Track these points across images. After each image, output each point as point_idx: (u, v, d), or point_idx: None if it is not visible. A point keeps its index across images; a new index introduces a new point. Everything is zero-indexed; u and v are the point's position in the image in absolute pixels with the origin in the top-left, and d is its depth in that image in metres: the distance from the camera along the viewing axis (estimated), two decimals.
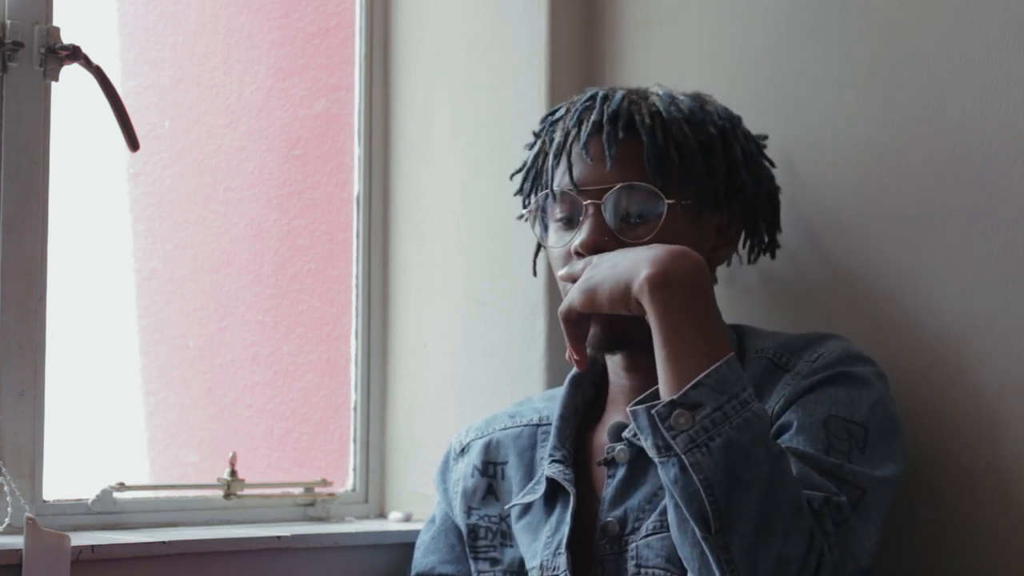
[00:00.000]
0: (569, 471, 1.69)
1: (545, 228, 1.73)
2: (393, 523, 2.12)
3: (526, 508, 1.73)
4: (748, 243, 1.82)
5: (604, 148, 1.66)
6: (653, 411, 1.44)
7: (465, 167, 2.16)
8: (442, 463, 1.88)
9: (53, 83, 1.78)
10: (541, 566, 1.67)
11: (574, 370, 1.77)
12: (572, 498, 1.67)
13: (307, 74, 2.33)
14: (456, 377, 2.14)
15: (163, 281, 2.29)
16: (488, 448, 1.81)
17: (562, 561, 1.65)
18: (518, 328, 2.07)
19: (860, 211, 1.84)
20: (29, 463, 1.75)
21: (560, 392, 1.78)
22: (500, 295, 2.10)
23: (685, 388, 1.43)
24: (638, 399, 1.48)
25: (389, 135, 2.25)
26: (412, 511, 2.14)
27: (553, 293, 1.99)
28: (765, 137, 1.83)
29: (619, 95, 1.70)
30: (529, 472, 1.76)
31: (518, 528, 1.74)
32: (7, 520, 1.69)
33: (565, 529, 1.66)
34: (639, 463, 1.65)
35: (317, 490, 2.11)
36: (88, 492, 1.85)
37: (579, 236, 1.64)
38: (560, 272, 1.67)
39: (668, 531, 1.51)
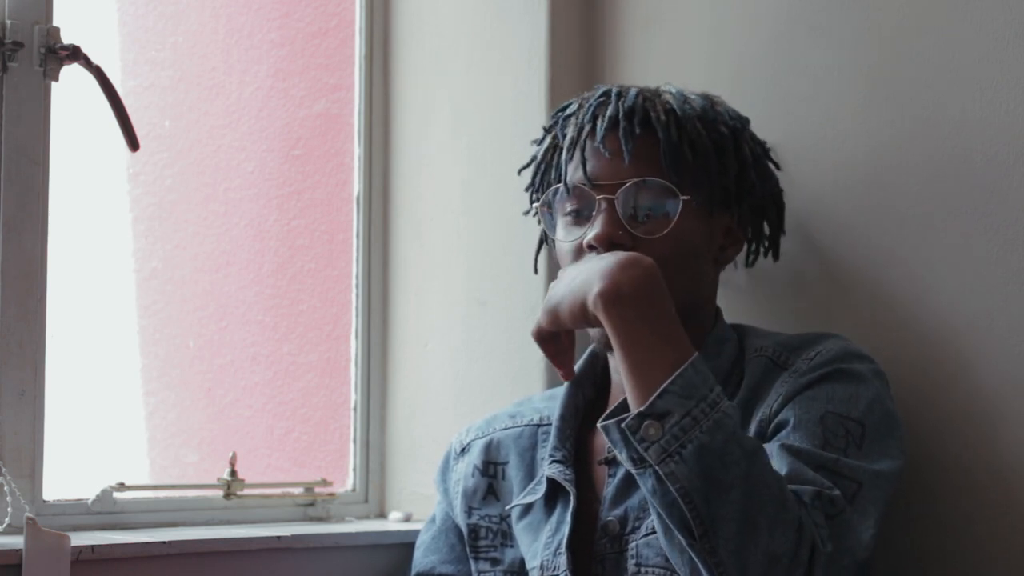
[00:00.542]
0: (569, 471, 1.69)
1: (553, 224, 1.73)
2: (393, 523, 2.12)
3: (527, 508, 1.73)
4: (751, 245, 1.82)
5: (621, 143, 1.66)
6: (623, 425, 1.43)
7: (465, 167, 2.16)
8: (442, 463, 1.88)
9: (53, 83, 1.78)
10: (541, 566, 1.67)
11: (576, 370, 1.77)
12: (572, 498, 1.67)
13: (307, 74, 2.33)
14: (456, 377, 2.14)
15: (163, 281, 2.29)
16: (489, 448, 1.81)
17: (562, 561, 1.65)
18: (518, 328, 2.07)
19: (860, 210, 1.84)
20: (29, 463, 1.75)
21: (560, 392, 1.78)
22: (500, 295, 2.10)
23: (651, 398, 1.42)
24: (607, 413, 1.47)
25: (389, 135, 2.25)
26: (412, 511, 2.14)
27: None
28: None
29: (633, 92, 1.71)
30: (530, 472, 1.76)
31: (519, 528, 1.74)
32: (7, 520, 1.69)
33: (565, 529, 1.66)
34: None
35: (317, 490, 2.11)
36: (88, 492, 1.85)
37: (593, 230, 1.64)
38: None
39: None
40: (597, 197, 1.65)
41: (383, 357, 2.22)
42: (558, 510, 1.69)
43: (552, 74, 2.09)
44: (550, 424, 1.76)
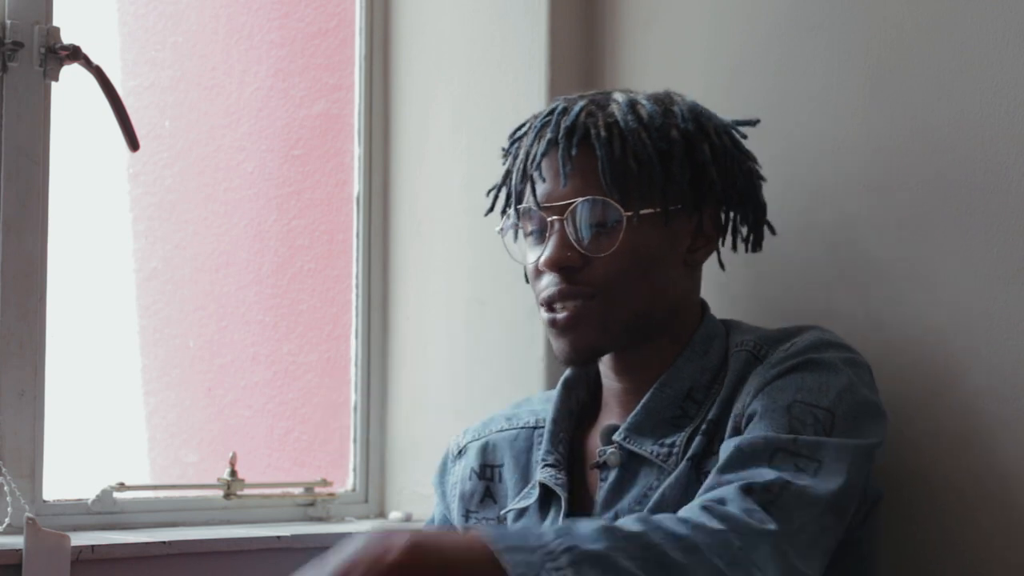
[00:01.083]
0: (561, 475, 1.69)
1: (518, 246, 1.74)
2: (393, 523, 2.11)
3: (521, 512, 1.73)
4: (734, 239, 1.80)
5: (559, 165, 1.66)
6: None
7: (465, 167, 2.16)
8: (440, 465, 1.88)
9: (53, 83, 1.78)
10: None
11: (567, 373, 1.77)
12: (564, 503, 1.67)
13: (307, 74, 2.33)
14: (456, 377, 2.14)
15: (163, 281, 2.29)
16: (485, 451, 1.81)
17: None
18: (518, 328, 2.07)
19: (859, 210, 1.84)
20: (29, 463, 1.75)
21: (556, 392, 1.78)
22: (500, 295, 2.10)
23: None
24: None
25: (389, 135, 2.25)
26: (412, 511, 2.14)
27: None
28: (755, 122, 1.81)
29: (577, 108, 1.69)
30: (525, 475, 1.76)
31: None
32: (7, 520, 1.69)
33: None
34: (630, 466, 1.65)
35: (317, 490, 2.11)
36: (88, 492, 1.85)
37: (544, 253, 1.65)
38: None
39: (681, 524, 1.49)
40: (548, 219, 1.66)
41: (383, 357, 2.22)
42: (551, 514, 1.69)
43: (552, 74, 2.09)
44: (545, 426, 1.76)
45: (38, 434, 1.76)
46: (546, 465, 1.70)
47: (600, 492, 1.66)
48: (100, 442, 2.25)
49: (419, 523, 2.00)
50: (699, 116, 1.72)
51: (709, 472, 1.57)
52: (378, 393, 2.21)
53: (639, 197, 1.65)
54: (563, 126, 1.67)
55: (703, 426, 1.62)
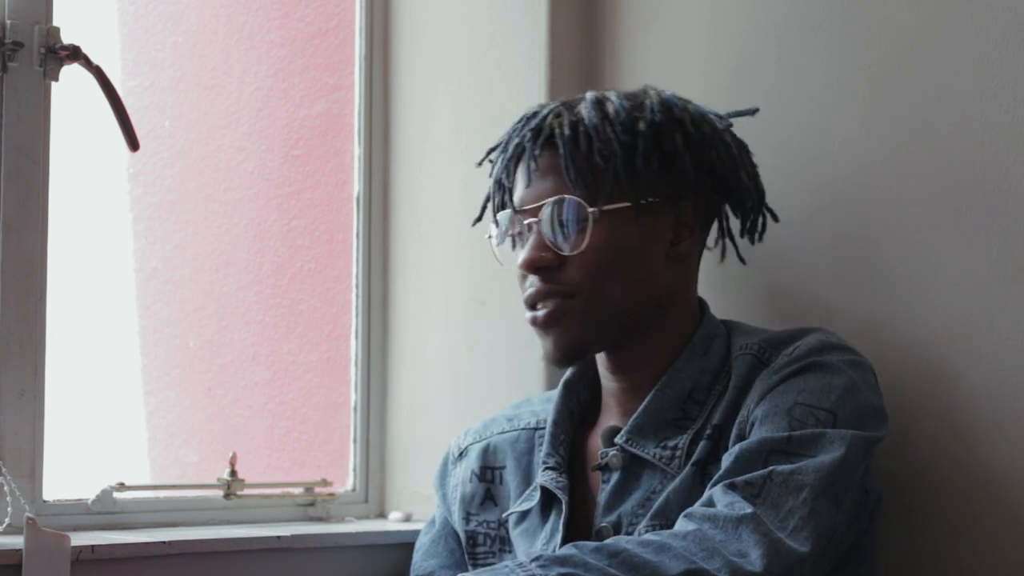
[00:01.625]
0: (562, 478, 1.69)
1: (506, 252, 1.76)
2: (393, 523, 2.12)
3: (523, 515, 1.73)
4: (723, 231, 1.80)
5: (528, 168, 1.68)
6: None
7: (465, 167, 2.16)
8: (440, 467, 1.88)
9: (53, 83, 1.78)
10: None
11: (568, 373, 1.77)
12: (564, 506, 1.67)
13: (307, 74, 2.33)
14: (456, 377, 2.14)
15: (163, 281, 2.29)
16: (486, 453, 1.81)
17: None
18: (518, 328, 2.07)
19: (860, 210, 1.84)
20: (29, 463, 1.75)
21: (556, 393, 1.78)
22: (500, 295, 2.09)
23: None
24: None
25: (389, 135, 2.25)
26: (412, 511, 2.14)
27: None
28: (753, 111, 1.81)
29: (545, 111, 1.71)
30: (527, 477, 1.76)
31: (515, 535, 1.74)
32: (7, 520, 1.69)
33: (558, 537, 1.66)
34: (632, 468, 1.65)
35: (317, 490, 2.11)
36: (88, 492, 1.85)
37: (520, 256, 1.68)
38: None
39: (653, 534, 1.50)
40: (524, 222, 1.68)
41: (383, 357, 2.22)
42: (552, 517, 1.69)
43: (552, 74, 2.09)
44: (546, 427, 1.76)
45: (38, 434, 1.76)
46: (547, 468, 1.70)
47: (602, 494, 1.66)
48: (100, 442, 2.25)
49: (419, 523, 2.00)
50: (671, 107, 1.70)
51: (712, 478, 1.57)
52: (378, 393, 2.21)
53: (607, 192, 1.65)
54: (528, 130, 1.70)
55: (707, 430, 1.62)
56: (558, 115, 1.69)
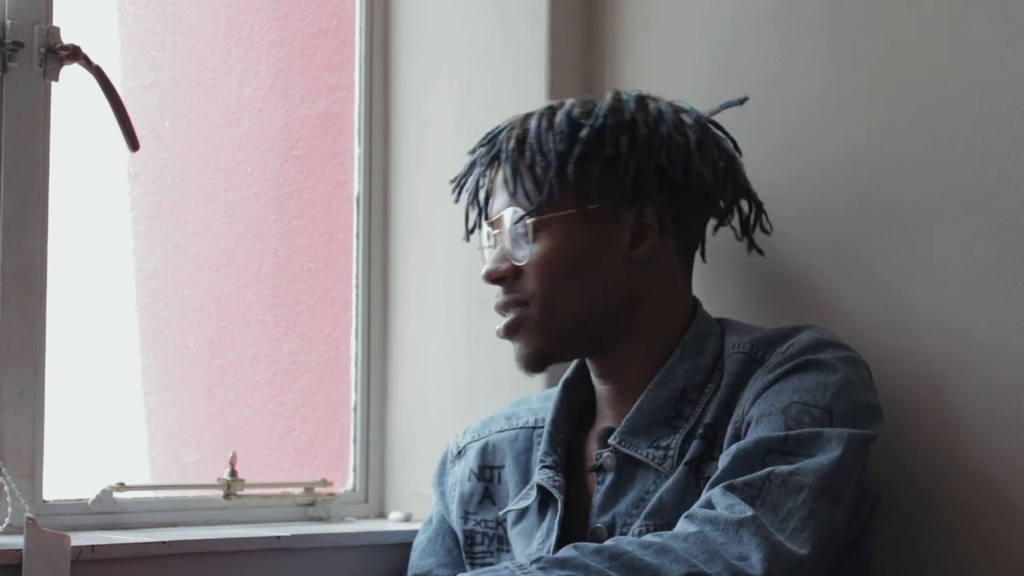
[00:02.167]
0: (559, 477, 1.69)
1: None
2: (393, 523, 2.12)
3: (521, 514, 1.73)
4: (714, 230, 1.79)
5: (475, 185, 1.76)
6: None
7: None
8: (439, 465, 1.88)
9: (53, 83, 1.78)
10: None
11: (567, 373, 1.78)
12: (560, 505, 1.67)
13: (307, 74, 2.33)
14: (456, 377, 2.14)
15: (163, 281, 2.29)
16: (485, 452, 1.81)
17: None
18: None
19: (859, 210, 1.84)
20: (29, 463, 1.75)
21: (556, 392, 1.78)
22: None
23: None
24: None
25: (389, 135, 2.25)
26: (412, 511, 2.14)
27: None
28: (743, 100, 1.81)
29: (502, 125, 1.75)
30: (525, 476, 1.76)
31: (513, 534, 1.74)
32: (7, 520, 1.69)
33: (553, 537, 1.66)
34: (626, 469, 1.65)
35: (317, 490, 2.11)
36: (88, 492, 1.85)
37: (484, 269, 1.72)
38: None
39: (654, 535, 1.50)
40: (492, 233, 1.73)
41: (383, 357, 2.22)
42: (548, 516, 1.69)
43: (552, 74, 2.08)
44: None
45: (38, 434, 1.76)
46: (544, 467, 1.70)
47: (597, 495, 1.66)
48: (100, 442, 2.25)
49: (419, 523, 2.00)
50: (623, 110, 1.68)
51: (706, 477, 1.57)
52: (378, 393, 2.21)
53: (550, 202, 1.66)
54: (479, 149, 1.75)
55: (699, 429, 1.62)
56: (511, 129, 1.73)
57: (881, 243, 1.82)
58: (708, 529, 1.43)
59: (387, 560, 1.99)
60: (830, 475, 1.50)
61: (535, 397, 1.86)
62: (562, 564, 1.40)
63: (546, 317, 1.67)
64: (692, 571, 1.40)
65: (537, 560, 1.41)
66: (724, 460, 1.53)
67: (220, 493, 1.99)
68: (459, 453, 1.84)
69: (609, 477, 1.66)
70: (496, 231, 1.72)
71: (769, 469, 1.48)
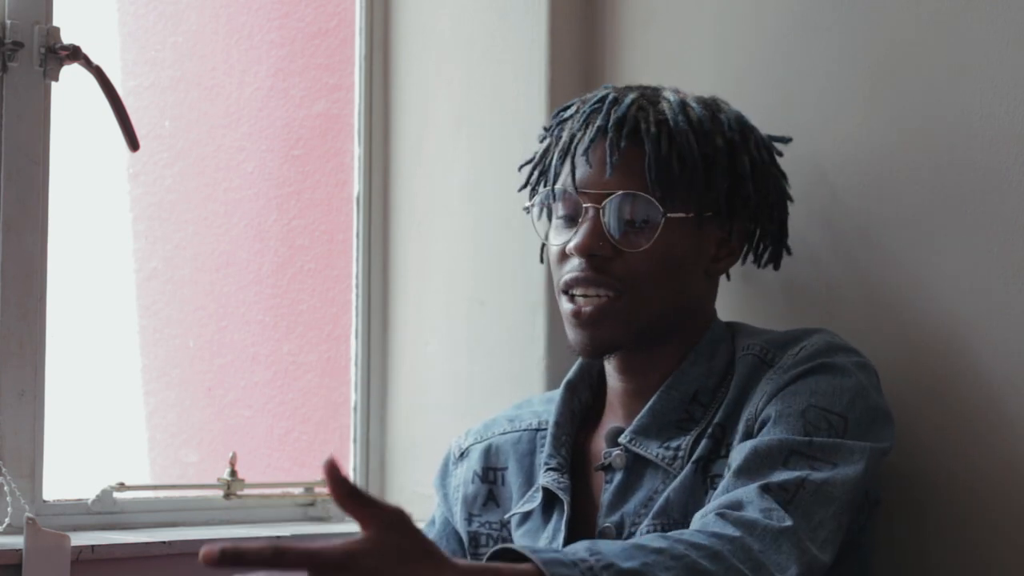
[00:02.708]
0: (564, 479, 1.69)
1: (545, 226, 1.73)
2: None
3: (525, 516, 1.73)
4: (755, 253, 1.80)
5: (606, 154, 1.65)
6: None
7: (465, 167, 2.16)
8: (441, 467, 1.87)
9: (53, 83, 1.78)
10: None
11: (569, 375, 1.77)
12: (566, 507, 1.66)
13: (307, 74, 2.32)
14: (456, 377, 2.14)
15: (163, 281, 2.29)
16: (488, 453, 1.81)
17: None
18: (518, 328, 2.07)
19: (861, 211, 1.84)
20: (29, 463, 1.75)
21: (559, 395, 1.78)
22: (500, 295, 2.09)
23: None
24: None
25: (389, 135, 2.25)
26: (412, 511, 2.13)
27: (553, 292, 1.99)
28: (787, 139, 1.82)
29: (629, 99, 1.69)
30: (529, 478, 1.76)
31: (518, 536, 1.73)
32: (7, 520, 1.69)
33: (560, 538, 1.66)
34: (635, 468, 1.65)
35: (317, 490, 2.11)
36: (88, 492, 1.85)
37: (575, 238, 1.64)
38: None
39: (663, 535, 1.49)
40: (584, 205, 1.65)
41: (383, 357, 2.22)
42: (554, 518, 1.69)
43: (552, 74, 2.09)
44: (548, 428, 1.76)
45: (38, 434, 1.76)
46: (549, 469, 1.70)
47: (605, 494, 1.66)
48: (100, 442, 2.25)
49: (419, 523, 2.00)
50: (744, 127, 1.72)
51: (714, 476, 1.57)
52: (378, 393, 2.21)
53: (679, 199, 1.65)
54: (613, 116, 1.67)
55: (708, 429, 1.62)
56: (642, 108, 1.68)
57: (880, 243, 1.82)
58: (747, 537, 1.43)
59: None
60: (855, 488, 1.52)
61: (537, 399, 1.86)
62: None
63: (636, 310, 1.64)
64: None
65: (608, 567, 1.34)
66: (741, 454, 1.52)
67: (220, 493, 1.99)
68: (462, 455, 1.84)
69: (618, 476, 1.65)
70: (592, 204, 1.64)
71: (802, 475, 1.48)
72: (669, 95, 1.71)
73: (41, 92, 1.77)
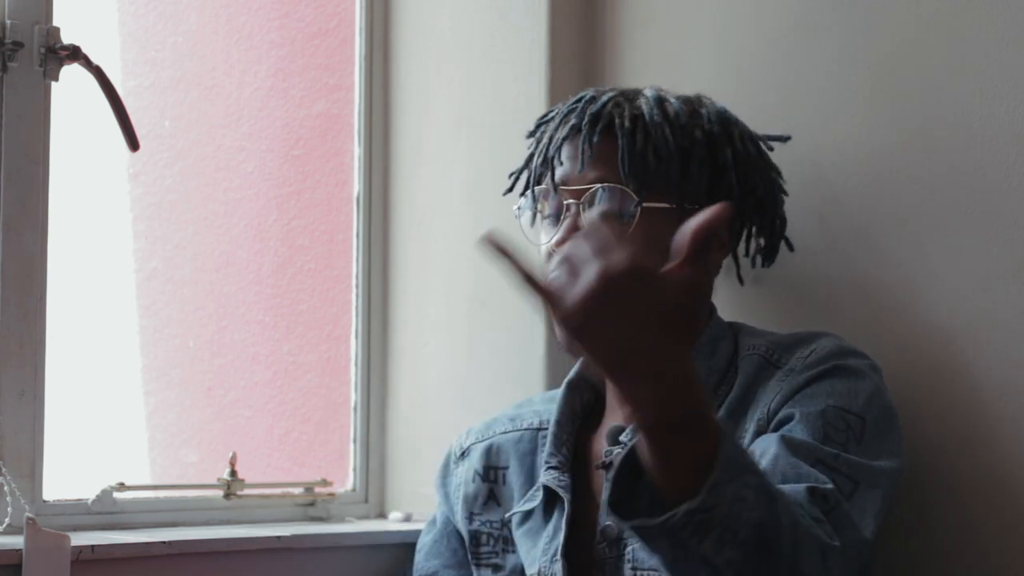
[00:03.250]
0: (565, 477, 1.69)
1: (534, 228, 1.74)
2: (393, 523, 2.12)
3: (526, 515, 1.73)
4: (747, 248, 1.81)
5: (579, 150, 1.68)
6: (668, 524, 1.25)
7: (465, 167, 2.16)
8: (442, 466, 1.87)
9: (53, 83, 1.78)
10: (539, 573, 1.67)
11: (571, 374, 1.77)
12: (567, 505, 1.67)
13: (307, 74, 2.32)
14: (456, 377, 2.14)
15: (163, 281, 2.29)
16: (489, 453, 1.81)
17: (559, 568, 1.65)
18: (518, 328, 2.07)
19: (860, 210, 1.84)
20: (29, 463, 1.75)
21: (559, 394, 1.78)
22: (500, 295, 2.09)
23: (702, 494, 1.23)
24: (612, 503, 1.31)
25: (389, 135, 2.25)
26: (412, 511, 2.14)
27: None
28: (786, 138, 1.82)
29: (605, 97, 1.71)
30: (530, 477, 1.76)
31: (519, 535, 1.73)
32: (7, 520, 1.69)
33: (561, 536, 1.66)
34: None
35: (317, 490, 2.11)
36: (88, 492, 1.85)
37: (557, 234, 1.66)
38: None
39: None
40: (566, 202, 1.67)
41: (383, 357, 2.22)
42: (555, 516, 1.69)
43: (552, 74, 2.09)
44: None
45: (38, 434, 1.76)
46: (550, 467, 1.70)
47: (606, 492, 1.66)
48: (100, 442, 2.25)
49: (419, 523, 2.00)
50: (725, 121, 1.73)
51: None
52: (378, 393, 2.21)
53: (658, 191, 1.66)
54: (588, 113, 1.69)
55: None
56: (618, 104, 1.70)
57: (880, 242, 1.82)
58: (823, 536, 1.42)
59: (387, 560, 1.99)
60: (881, 515, 1.52)
61: (538, 398, 1.86)
62: (758, 525, 1.27)
63: None
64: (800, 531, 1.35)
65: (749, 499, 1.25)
66: (772, 444, 1.51)
67: (220, 493, 1.98)
68: (462, 454, 1.84)
69: None
70: (573, 200, 1.67)
71: (839, 498, 1.46)
72: (648, 92, 1.73)
73: (41, 92, 1.77)
